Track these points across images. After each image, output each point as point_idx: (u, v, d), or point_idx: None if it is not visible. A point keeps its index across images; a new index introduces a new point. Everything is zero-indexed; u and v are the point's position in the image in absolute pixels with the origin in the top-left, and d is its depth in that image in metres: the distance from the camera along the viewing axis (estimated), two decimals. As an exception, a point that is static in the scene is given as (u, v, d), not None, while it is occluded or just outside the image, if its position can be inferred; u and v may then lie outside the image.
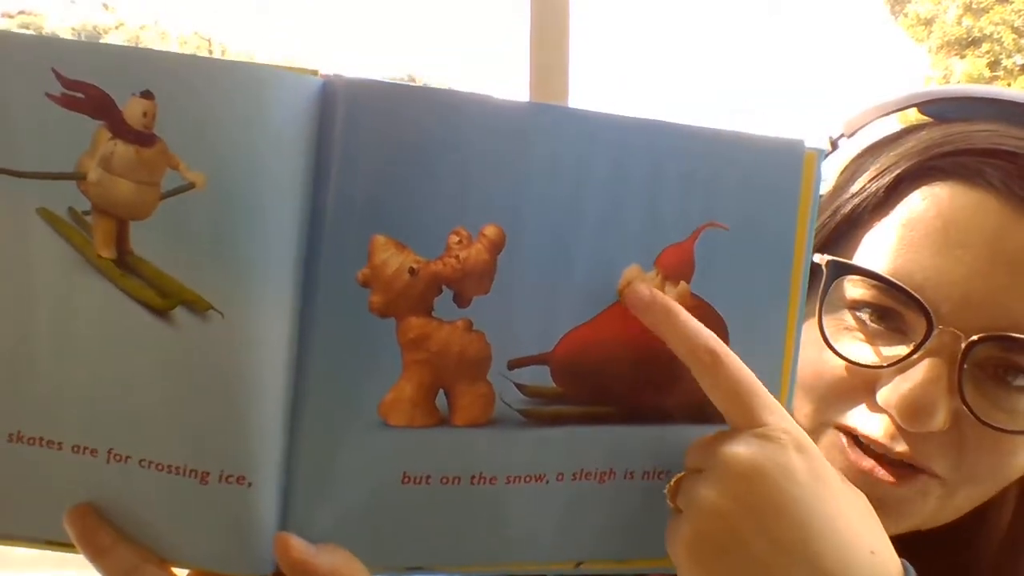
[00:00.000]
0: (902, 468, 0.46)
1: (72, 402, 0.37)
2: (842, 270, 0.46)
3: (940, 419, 0.43)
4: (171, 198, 0.35)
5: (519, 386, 0.39)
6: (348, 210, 0.36)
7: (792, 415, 0.50)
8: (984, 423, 0.43)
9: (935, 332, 0.43)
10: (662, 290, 0.40)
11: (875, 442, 0.45)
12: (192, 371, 0.36)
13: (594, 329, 0.39)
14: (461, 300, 0.37)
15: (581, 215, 0.38)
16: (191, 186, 0.35)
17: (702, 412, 0.41)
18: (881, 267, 0.45)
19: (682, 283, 0.40)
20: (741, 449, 0.36)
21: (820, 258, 0.47)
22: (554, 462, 0.40)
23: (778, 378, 0.43)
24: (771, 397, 0.38)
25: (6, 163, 0.36)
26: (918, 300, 0.43)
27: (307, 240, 0.36)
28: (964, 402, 0.43)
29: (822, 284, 0.47)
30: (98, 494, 0.38)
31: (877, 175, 0.48)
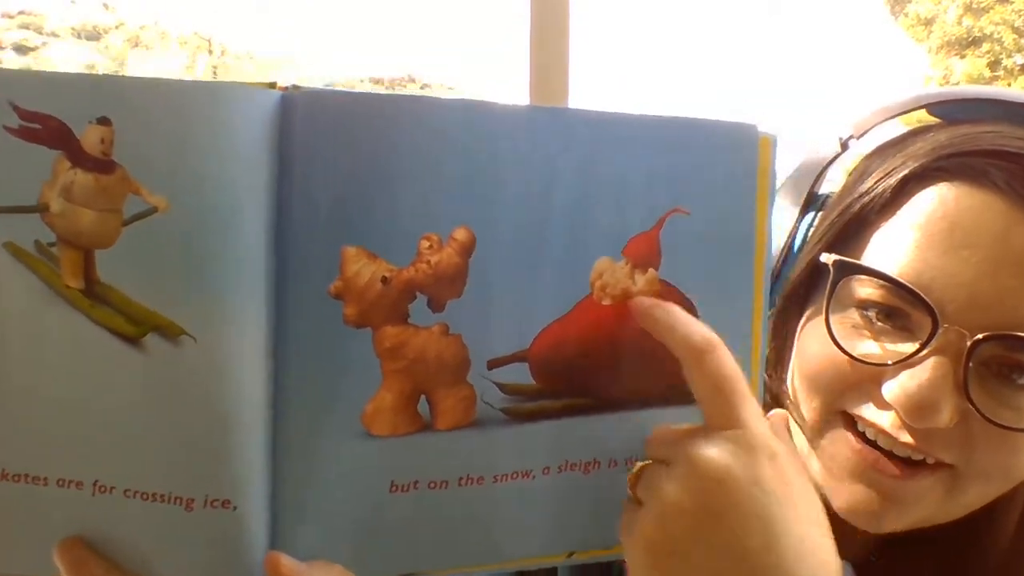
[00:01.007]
0: (909, 462, 0.46)
1: (53, 436, 0.37)
2: (849, 270, 0.47)
3: (945, 416, 0.43)
4: (134, 223, 0.35)
5: (499, 385, 0.39)
6: (315, 223, 0.36)
7: (768, 397, 0.50)
8: (990, 421, 0.44)
9: (941, 331, 0.43)
10: (631, 278, 0.40)
11: (883, 434, 0.46)
12: (169, 398, 0.36)
13: (569, 323, 0.40)
14: (435, 305, 0.38)
15: (550, 211, 0.38)
16: (154, 210, 0.35)
17: (677, 394, 0.42)
18: (888, 267, 0.46)
19: (650, 270, 0.41)
20: (714, 452, 0.36)
21: (828, 257, 0.47)
22: (539, 457, 0.41)
23: (748, 356, 0.44)
24: (752, 399, 0.38)
25: None
26: (924, 300, 0.44)
27: (276, 256, 0.36)
28: (969, 400, 0.44)
29: (829, 283, 0.47)
30: (86, 526, 0.38)
31: (884, 176, 0.48)
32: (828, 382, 0.48)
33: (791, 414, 0.50)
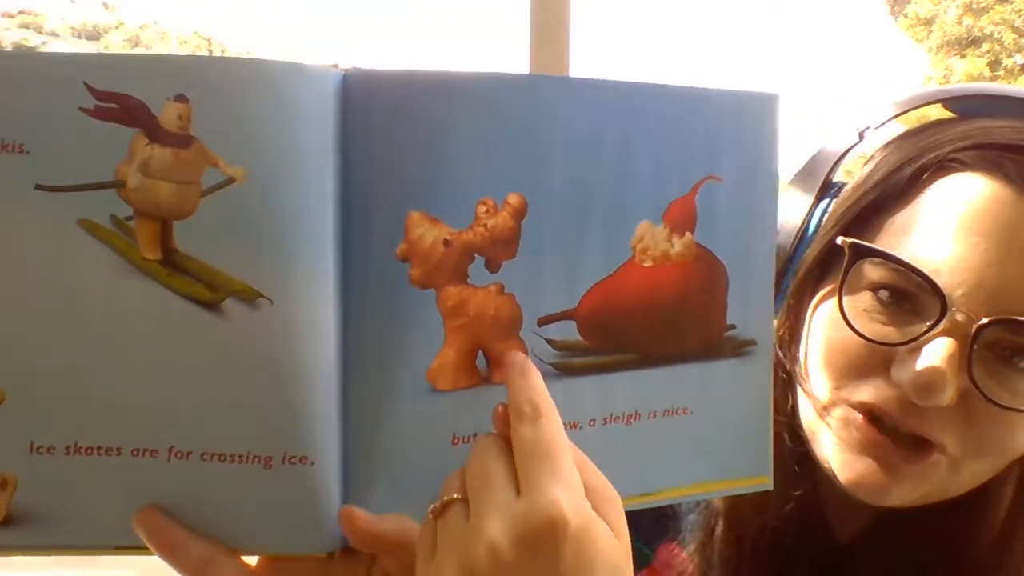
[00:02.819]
0: (913, 444, 0.48)
1: (128, 407, 0.39)
2: (863, 253, 0.49)
3: (948, 395, 0.46)
4: (213, 194, 0.37)
5: (549, 341, 0.42)
6: (378, 191, 0.38)
7: (783, 374, 0.53)
8: (990, 400, 0.46)
9: (948, 314, 0.45)
10: (670, 241, 0.43)
11: (888, 415, 0.48)
12: (247, 359, 0.38)
13: (612, 284, 0.43)
14: (492, 266, 0.40)
15: (595, 178, 0.41)
16: (231, 181, 0.37)
17: (711, 348, 0.45)
18: (900, 252, 0.48)
19: (687, 234, 0.44)
20: (495, 522, 0.35)
21: (843, 241, 0.50)
22: (586, 409, 0.43)
23: (768, 314, 0.47)
24: (566, 467, 0.37)
25: (43, 179, 0.37)
26: (934, 283, 0.46)
27: (343, 222, 0.38)
28: (972, 381, 0.46)
29: (844, 265, 0.49)
30: (163, 493, 0.39)
31: (901, 165, 0.51)
32: (839, 361, 0.50)
33: (803, 390, 0.53)
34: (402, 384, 0.40)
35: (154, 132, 0.37)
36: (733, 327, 0.46)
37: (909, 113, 0.56)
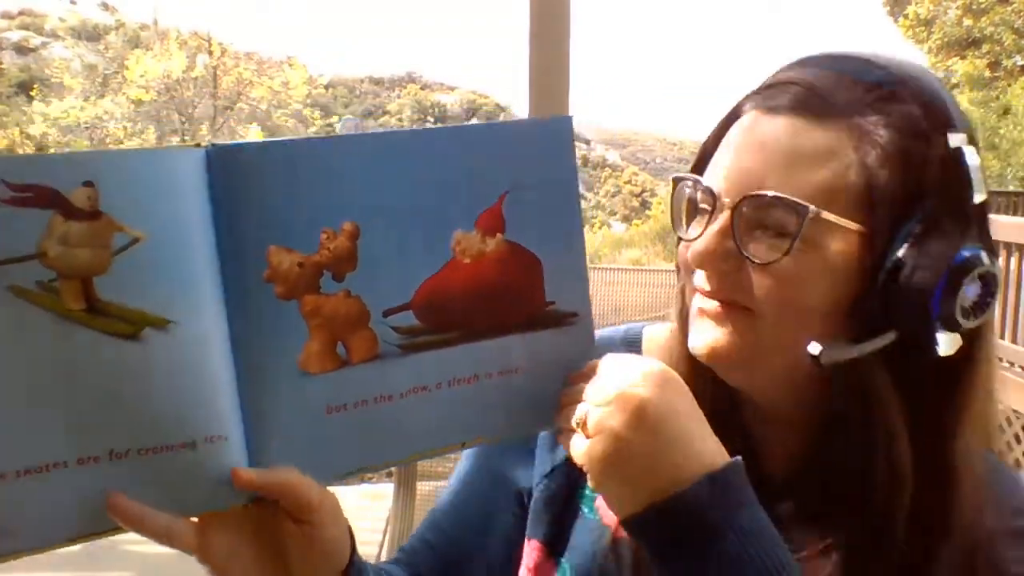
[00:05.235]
0: (733, 305, 0.61)
1: (69, 427, 0.50)
2: (676, 180, 0.66)
3: (716, 258, 0.60)
4: (122, 253, 0.50)
5: (394, 328, 0.56)
6: (246, 233, 0.52)
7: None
8: (744, 255, 0.59)
9: (718, 202, 0.61)
10: (484, 242, 0.57)
11: (701, 289, 0.63)
12: (167, 371, 0.51)
13: (439, 279, 0.57)
14: (337, 277, 0.54)
15: (414, 205, 0.55)
16: (136, 241, 0.50)
17: (534, 321, 0.59)
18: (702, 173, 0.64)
19: (498, 235, 0.58)
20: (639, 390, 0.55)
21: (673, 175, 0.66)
22: (431, 376, 0.57)
23: (584, 290, 0.62)
24: (646, 361, 0.58)
25: None
26: (701, 183, 0.62)
27: (223, 259, 0.52)
28: (736, 244, 0.60)
29: (670, 188, 0.66)
30: (108, 487, 0.51)
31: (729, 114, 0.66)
32: (685, 266, 0.65)
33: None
34: (283, 372, 0.53)
35: (69, 212, 0.49)
36: (552, 303, 0.60)
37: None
